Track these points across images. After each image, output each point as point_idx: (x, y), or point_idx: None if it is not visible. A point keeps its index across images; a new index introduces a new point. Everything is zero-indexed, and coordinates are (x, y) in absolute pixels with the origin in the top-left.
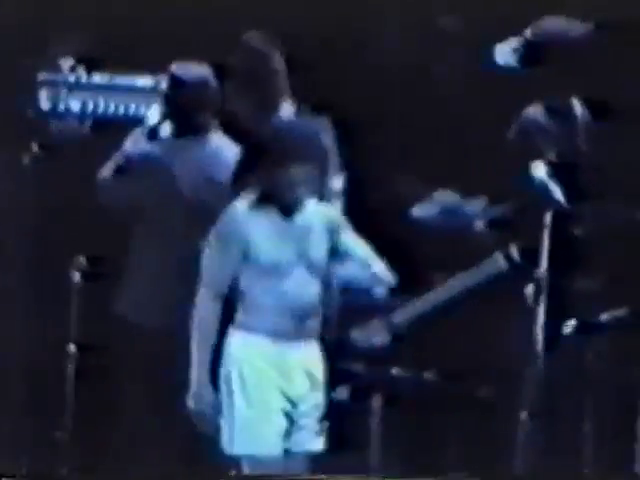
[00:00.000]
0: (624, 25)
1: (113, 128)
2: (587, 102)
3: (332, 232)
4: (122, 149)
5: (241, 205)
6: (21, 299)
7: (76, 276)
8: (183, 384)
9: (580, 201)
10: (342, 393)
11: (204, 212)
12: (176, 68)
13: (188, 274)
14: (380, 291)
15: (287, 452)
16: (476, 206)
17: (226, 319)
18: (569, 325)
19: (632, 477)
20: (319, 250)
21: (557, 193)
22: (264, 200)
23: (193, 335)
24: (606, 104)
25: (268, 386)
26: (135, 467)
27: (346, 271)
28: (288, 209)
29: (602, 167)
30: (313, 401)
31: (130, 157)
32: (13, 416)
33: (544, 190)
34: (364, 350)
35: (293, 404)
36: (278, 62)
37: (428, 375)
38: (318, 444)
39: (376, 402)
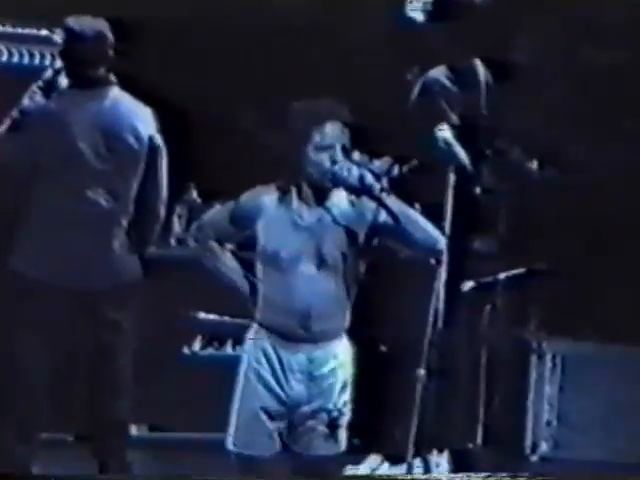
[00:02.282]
0: None
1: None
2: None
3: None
4: (19, 104)
5: (268, 196)
6: None
7: None
8: None
9: (482, 162)
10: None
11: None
12: (71, 21)
13: (86, 228)
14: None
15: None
16: (381, 165)
17: None
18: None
19: None
20: (334, 246)
21: (461, 155)
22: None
23: None
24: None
25: (260, 387)
26: None
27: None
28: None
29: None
30: (318, 404)
31: (26, 112)
32: None
33: (448, 152)
34: None
35: (289, 406)
36: None
37: None
38: (335, 447)
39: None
